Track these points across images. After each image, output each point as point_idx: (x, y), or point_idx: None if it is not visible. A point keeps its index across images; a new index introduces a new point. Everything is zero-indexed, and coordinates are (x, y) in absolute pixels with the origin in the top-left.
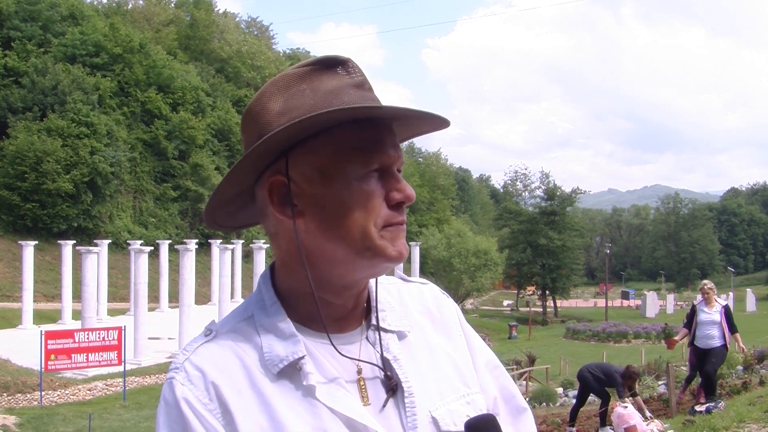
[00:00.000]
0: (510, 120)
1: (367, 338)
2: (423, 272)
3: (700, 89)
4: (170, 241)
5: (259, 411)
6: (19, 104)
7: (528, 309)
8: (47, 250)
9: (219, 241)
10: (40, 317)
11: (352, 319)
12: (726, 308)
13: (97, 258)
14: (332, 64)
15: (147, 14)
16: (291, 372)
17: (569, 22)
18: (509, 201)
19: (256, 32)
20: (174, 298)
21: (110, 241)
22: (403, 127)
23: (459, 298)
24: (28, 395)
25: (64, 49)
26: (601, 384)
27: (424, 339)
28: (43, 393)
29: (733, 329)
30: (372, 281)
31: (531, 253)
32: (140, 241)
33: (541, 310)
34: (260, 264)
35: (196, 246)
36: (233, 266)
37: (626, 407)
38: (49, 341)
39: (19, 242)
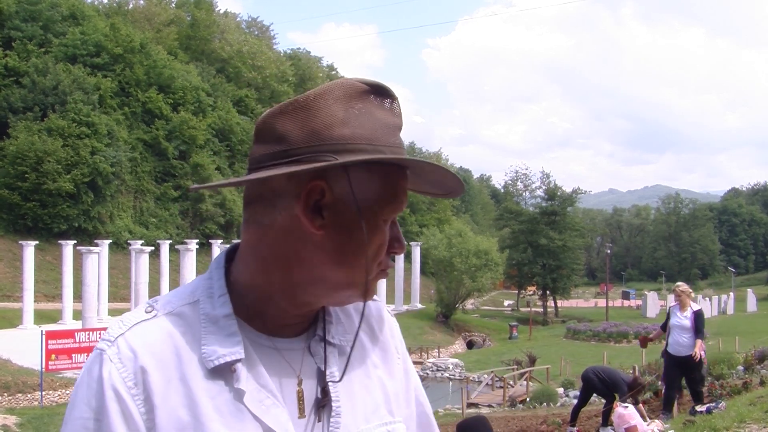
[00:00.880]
0: (510, 120)
1: (309, 348)
2: (423, 272)
3: (700, 89)
4: (171, 241)
5: (183, 406)
6: (20, 104)
7: (528, 309)
8: (48, 250)
9: (220, 241)
10: (40, 317)
11: (298, 327)
12: (696, 313)
13: (98, 258)
14: (385, 95)
15: (148, 14)
16: (225, 371)
17: (569, 22)
18: (510, 201)
19: (256, 32)
20: None
21: (111, 241)
22: (416, 180)
23: (460, 298)
24: (29, 395)
25: (64, 49)
26: (606, 387)
27: (362, 358)
28: (43, 393)
29: (699, 335)
30: None
31: (532, 253)
32: (141, 241)
33: (542, 310)
34: None
35: (197, 246)
36: None
37: (627, 407)
38: (49, 341)
39: (20, 242)
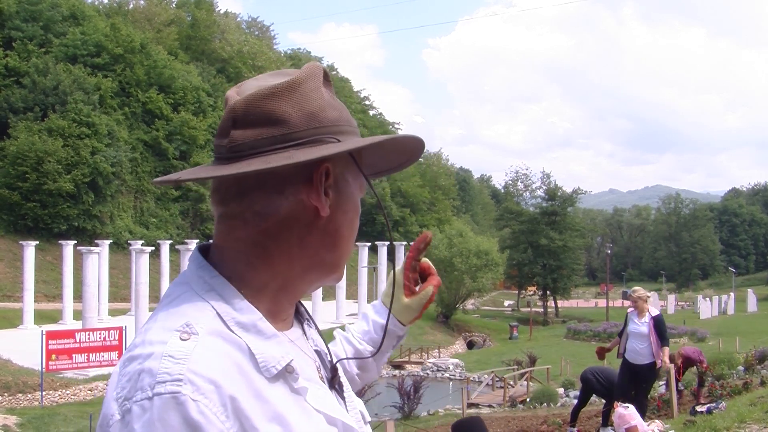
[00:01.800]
0: (510, 120)
1: (304, 333)
2: None
3: (700, 89)
4: (171, 241)
5: (271, 420)
6: (20, 104)
7: (529, 309)
8: (48, 250)
9: None
10: (41, 317)
11: (290, 317)
12: (656, 319)
13: (98, 258)
14: (329, 79)
15: (148, 14)
16: (281, 374)
17: (570, 22)
18: (510, 201)
19: (257, 32)
20: None
21: (111, 241)
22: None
23: (460, 298)
24: (29, 395)
25: (65, 49)
26: (605, 388)
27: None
28: (44, 393)
29: (663, 342)
30: None
31: (532, 253)
32: (141, 241)
33: (542, 310)
34: None
35: None
36: None
37: (627, 407)
38: (50, 341)
39: (20, 242)
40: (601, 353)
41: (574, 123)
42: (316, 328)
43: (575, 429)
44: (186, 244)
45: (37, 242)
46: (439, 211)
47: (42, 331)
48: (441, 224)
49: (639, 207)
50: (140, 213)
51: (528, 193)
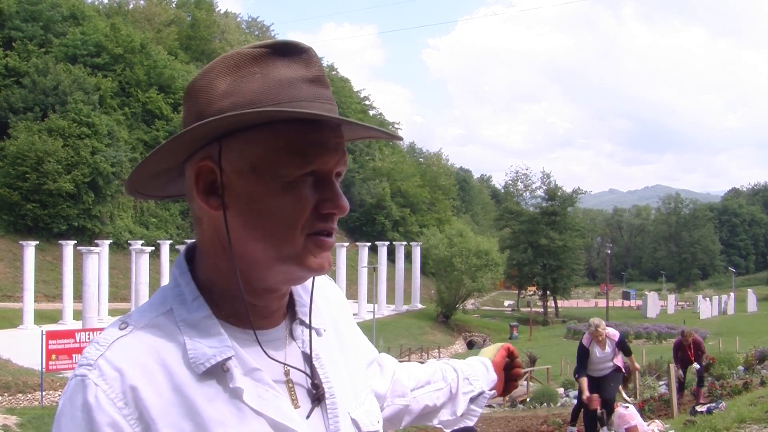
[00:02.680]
0: (510, 120)
1: (291, 334)
2: (424, 272)
3: (701, 89)
4: (171, 241)
5: (183, 416)
6: (20, 104)
7: (529, 309)
8: (48, 250)
9: None
10: (41, 317)
11: (276, 316)
12: (620, 341)
13: (98, 258)
14: (290, 52)
15: (148, 14)
16: (217, 373)
17: (570, 22)
18: (510, 201)
19: (257, 32)
20: None
21: (111, 241)
22: (352, 131)
23: (460, 298)
24: (29, 395)
25: (65, 49)
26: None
27: (335, 336)
28: (44, 393)
29: (627, 353)
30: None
31: (532, 253)
32: (141, 241)
33: (542, 310)
34: None
35: None
36: None
37: (627, 407)
38: (50, 341)
39: (20, 242)
40: (591, 402)
41: (574, 123)
42: (313, 329)
43: (575, 429)
44: (186, 244)
45: (37, 242)
46: (439, 211)
47: (42, 331)
48: (441, 224)
49: (639, 207)
50: (140, 213)
51: (528, 193)
